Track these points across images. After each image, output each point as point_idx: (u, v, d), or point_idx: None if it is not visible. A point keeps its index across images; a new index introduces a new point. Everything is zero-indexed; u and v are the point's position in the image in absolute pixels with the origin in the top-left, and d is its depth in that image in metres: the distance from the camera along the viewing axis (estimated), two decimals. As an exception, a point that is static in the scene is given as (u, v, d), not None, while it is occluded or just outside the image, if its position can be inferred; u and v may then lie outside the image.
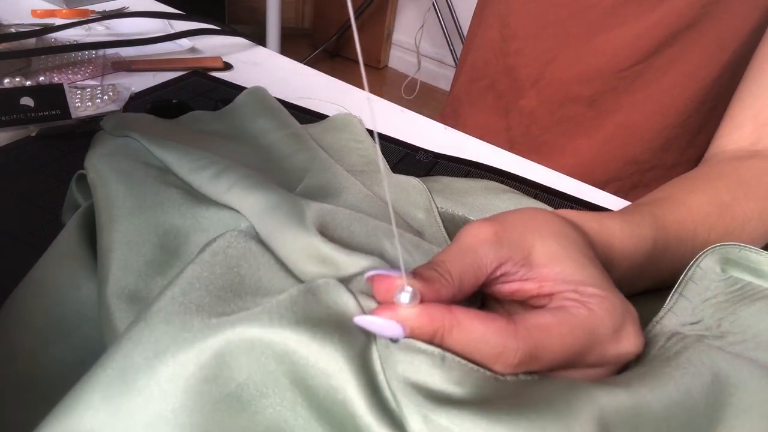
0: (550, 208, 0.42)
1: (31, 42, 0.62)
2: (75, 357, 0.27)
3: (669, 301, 0.30)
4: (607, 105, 0.63)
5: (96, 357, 0.24)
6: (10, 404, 0.25)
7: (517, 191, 0.44)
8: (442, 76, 2.42)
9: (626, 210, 0.36)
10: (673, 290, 0.30)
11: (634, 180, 0.66)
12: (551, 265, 0.27)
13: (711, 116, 0.62)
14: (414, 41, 2.36)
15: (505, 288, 0.28)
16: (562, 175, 0.54)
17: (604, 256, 0.31)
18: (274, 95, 0.51)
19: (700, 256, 0.31)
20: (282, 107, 0.49)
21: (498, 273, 0.27)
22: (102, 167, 0.32)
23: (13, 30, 0.62)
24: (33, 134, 0.47)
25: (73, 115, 0.49)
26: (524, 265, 0.27)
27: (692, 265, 0.31)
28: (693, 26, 0.57)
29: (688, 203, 0.38)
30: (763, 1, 0.55)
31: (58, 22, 0.69)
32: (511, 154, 0.57)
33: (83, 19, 0.67)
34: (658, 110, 0.62)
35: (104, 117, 0.40)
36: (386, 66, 2.62)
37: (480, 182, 0.44)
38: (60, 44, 0.63)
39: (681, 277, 0.31)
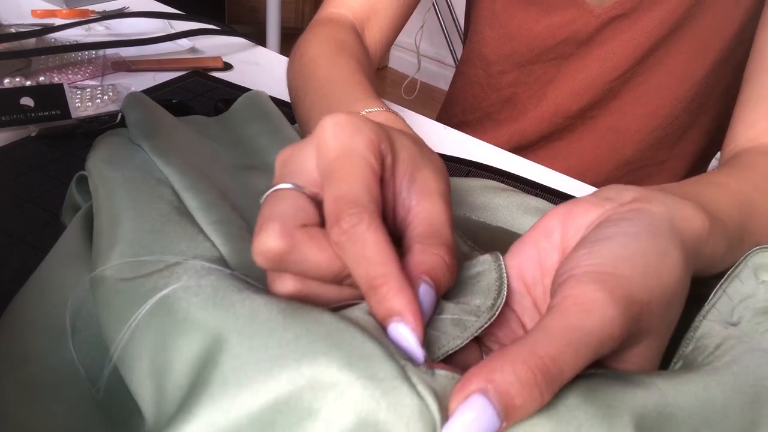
0: (550, 206, 0.42)
1: (31, 42, 0.62)
2: (85, 357, 0.27)
3: (713, 297, 0.28)
4: (596, 112, 0.64)
5: (105, 356, 0.24)
6: (23, 406, 0.25)
7: (517, 190, 0.44)
8: (442, 76, 2.42)
9: (725, 216, 0.31)
10: (719, 285, 0.28)
11: (627, 179, 0.66)
12: (638, 359, 0.24)
13: (700, 112, 0.63)
14: (414, 41, 2.36)
15: None
16: (562, 174, 0.55)
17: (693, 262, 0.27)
18: (274, 95, 0.51)
19: (750, 253, 0.30)
20: (279, 112, 0.49)
21: None
22: (105, 171, 0.32)
23: (13, 30, 0.62)
24: (33, 134, 0.47)
25: (73, 115, 0.49)
26: (614, 354, 0.23)
27: (741, 262, 0.29)
28: (676, 31, 0.58)
29: (760, 204, 0.36)
30: (742, 1, 0.55)
31: (58, 22, 0.69)
32: (511, 154, 0.57)
33: (83, 19, 0.67)
34: (647, 112, 0.63)
35: (127, 96, 0.39)
36: (386, 66, 2.62)
37: (479, 181, 0.44)
38: (60, 44, 0.63)
39: (728, 273, 0.29)
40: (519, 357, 0.19)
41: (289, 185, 0.24)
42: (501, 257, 0.27)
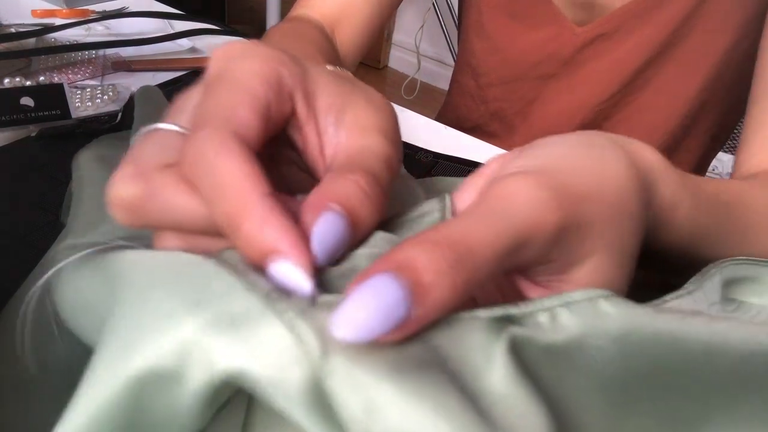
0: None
1: (31, 42, 0.62)
2: (76, 355, 0.27)
3: (689, 285, 0.24)
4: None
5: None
6: (12, 404, 0.25)
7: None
8: (442, 76, 2.42)
9: (698, 179, 0.28)
10: (693, 278, 0.24)
11: None
12: (588, 281, 0.20)
13: (694, 126, 0.62)
14: (414, 41, 2.36)
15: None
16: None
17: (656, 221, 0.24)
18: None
19: (724, 263, 0.26)
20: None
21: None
22: (97, 169, 0.32)
23: (13, 30, 0.62)
24: (33, 134, 0.47)
25: (73, 115, 0.49)
26: (558, 272, 0.20)
27: (716, 266, 0.25)
28: (662, 53, 0.58)
29: (748, 194, 0.33)
30: (733, 19, 0.55)
31: (58, 22, 0.69)
32: (511, 154, 0.57)
33: (83, 19, 0.67)
34: (640, 131, 0.62)
35: (138, 90, 0.38)
36: (386, 66, 2.61)
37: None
38: (60, 44, 0.63)
39: (705, 269, 0.25)
40: (421, 237, 0.16)
41: (165, 125, 0.21)
42: (448, 197, 0.24)
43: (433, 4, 2.18)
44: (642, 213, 0.22)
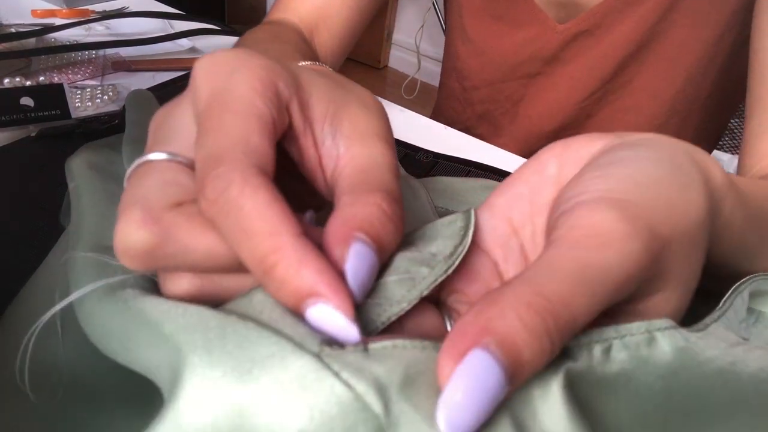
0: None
1: (31, 42, 0.62)
2: (72, 351, 0.27)
3: (723, 305, 0.23)
4: (573, 131, 0.64)
5: (95, 353, 0.24)
6: (9, 404, 0.25)
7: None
8: (442, 76, 2.42)
9: (744, 187, 0.26)
10: (726, 296, 0.24)
11: None
12: (652, 312, 0.19)
13: (685, 125, 0.62)
14: (414, 41, 2.36)
15: None
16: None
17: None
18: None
19: (754, 278, 0.25)
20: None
21: None
22: (93, 179, 0.32)
23: (13, 30, 0.62)
24: (33, 134, 0.47)
25: (73, 115, 0.49)
26: (624, 303, 0.19)
27: (747, 281, 0.25)
28: (642, 48, 0.58)
29: None
30: (714, 12, 0.55)
31: (58, 22, 0.69)
32: (511, 154, 0.57)
33: (83, 19, 0.67)
34: (625, 130, 0.62)
35: (129, 94, 0.38)
36: (386, 66, 2.61)
37: (479, 181, 0.44)
38: (60, 44, 0.63)
39: (736, 285, 0.24)
40: (522, 299, 0.15)
41: (159, 155, 0.19)
42: (472, 212, 0.23)
43: (433, 4, 2.18)
44: (707, 241, 0.21)
